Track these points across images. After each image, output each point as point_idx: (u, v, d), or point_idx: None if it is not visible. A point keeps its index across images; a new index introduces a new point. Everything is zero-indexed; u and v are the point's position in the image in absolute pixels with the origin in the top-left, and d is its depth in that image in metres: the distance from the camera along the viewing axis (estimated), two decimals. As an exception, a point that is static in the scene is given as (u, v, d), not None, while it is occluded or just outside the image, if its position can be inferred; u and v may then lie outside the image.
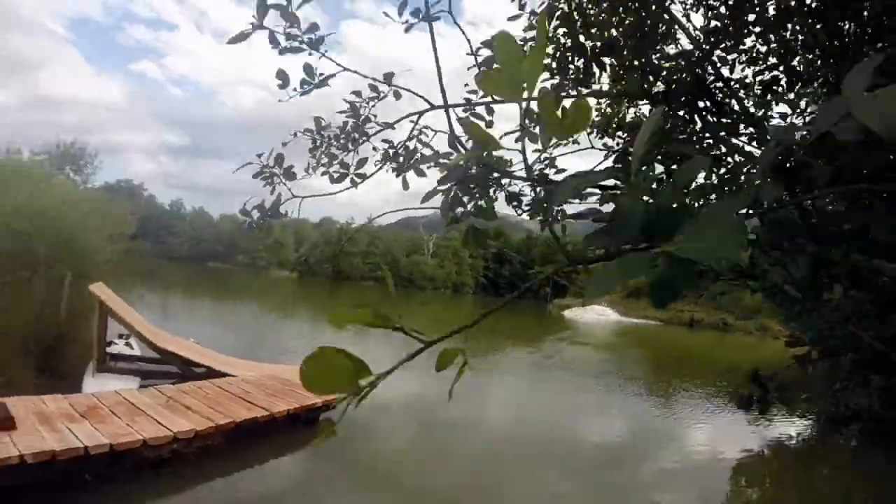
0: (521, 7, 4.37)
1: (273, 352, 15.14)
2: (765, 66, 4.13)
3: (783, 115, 4.64)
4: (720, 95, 3.91)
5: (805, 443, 12.31)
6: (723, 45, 4.04)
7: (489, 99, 3.72)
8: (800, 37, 4.00)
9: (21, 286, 11.93)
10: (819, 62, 4.05)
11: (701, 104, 3.76)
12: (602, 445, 10.82)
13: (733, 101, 4.00)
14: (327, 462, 8.11)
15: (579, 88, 4.24)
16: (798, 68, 4.19)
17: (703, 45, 3.98)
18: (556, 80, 4.25)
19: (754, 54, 4.21)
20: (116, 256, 17.09)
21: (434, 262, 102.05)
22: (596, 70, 4.16)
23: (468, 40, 3.89)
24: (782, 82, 4.11)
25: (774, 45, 4.15)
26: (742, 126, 3.91)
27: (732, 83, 4.01)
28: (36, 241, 12.46)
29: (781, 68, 4.10)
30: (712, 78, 3.91)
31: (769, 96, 4.24)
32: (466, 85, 3.84)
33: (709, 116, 3.80)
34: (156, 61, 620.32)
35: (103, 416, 7.08)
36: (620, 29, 4.24)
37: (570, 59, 4.26)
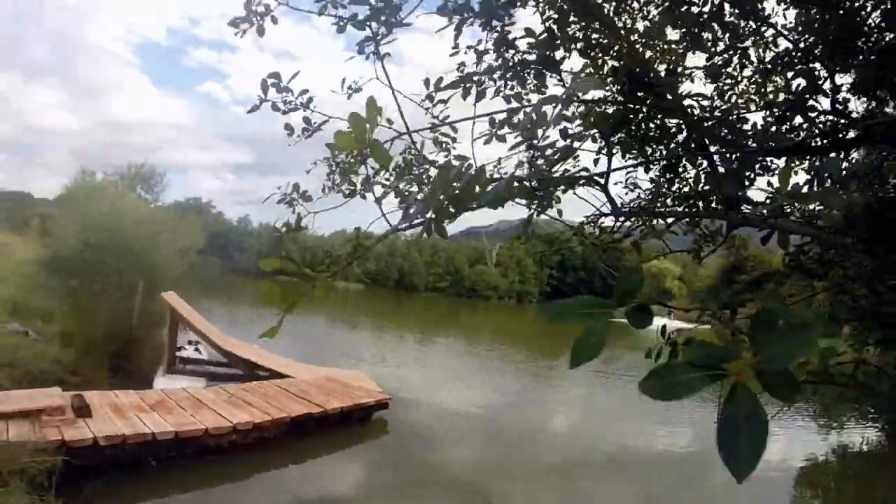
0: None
1: (335, 357, 15.58)
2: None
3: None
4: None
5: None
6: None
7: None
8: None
9: (97, 295, 12.78)
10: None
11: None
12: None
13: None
14: (376, 456, 8.52)
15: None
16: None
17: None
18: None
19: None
20: (185, 269, 17.95)
21: (497, 272, 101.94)
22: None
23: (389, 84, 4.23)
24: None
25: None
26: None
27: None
28: (110, 255, 13.28)
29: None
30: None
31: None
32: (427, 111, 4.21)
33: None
34: (219, 82, 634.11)
35: (170, 409, 7.66)
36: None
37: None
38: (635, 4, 4.27)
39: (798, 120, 3.91)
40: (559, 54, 3.88)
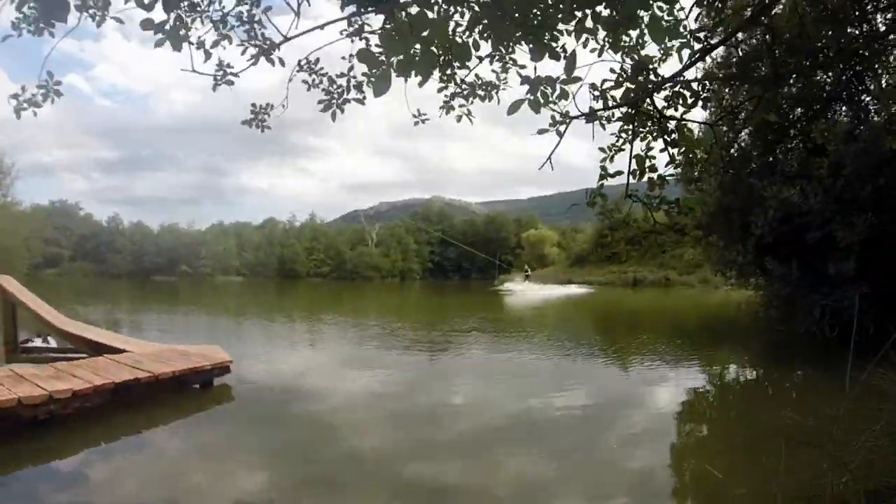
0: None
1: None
2: None
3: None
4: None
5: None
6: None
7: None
8: None
9: None
10: None
11: None
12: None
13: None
14: (218, 424, 8.35)
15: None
16: None
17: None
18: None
19: None
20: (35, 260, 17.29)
21: (378, 252, 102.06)
22: None
23: None
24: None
25: None
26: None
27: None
28: None
29: None
30: None
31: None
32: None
33: None
34: (82, 73, 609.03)
35: (-14, 386, 7.33)
36: None
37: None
38: None
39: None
40: None
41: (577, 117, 4.49)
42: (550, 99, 3.96)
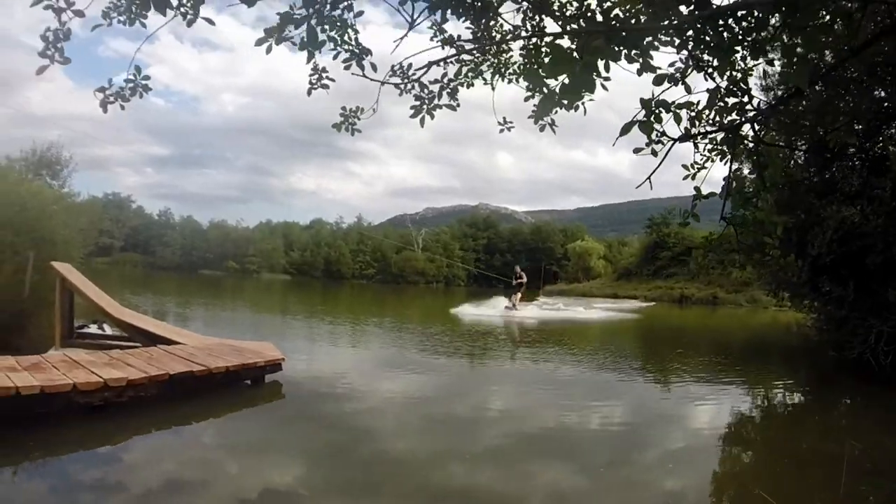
0: None
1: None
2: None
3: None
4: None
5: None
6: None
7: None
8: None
9: None
10: None
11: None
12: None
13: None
14: (267, 420, 8.39)
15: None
16: None
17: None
18: None
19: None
20: (89, 249, 17.69)
21: (424, 257, 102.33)
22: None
23: None
24: None
25: None
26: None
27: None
28: (3, 232, 12.95)
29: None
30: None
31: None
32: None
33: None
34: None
35: (44, 369, 7.45)
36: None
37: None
38: None
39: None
40: None
41: (678, 140, 4.44)
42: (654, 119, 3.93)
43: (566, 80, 2.56)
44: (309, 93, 5.29)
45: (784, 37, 3.84)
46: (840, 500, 5.10)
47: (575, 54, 2.66)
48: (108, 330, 12.74)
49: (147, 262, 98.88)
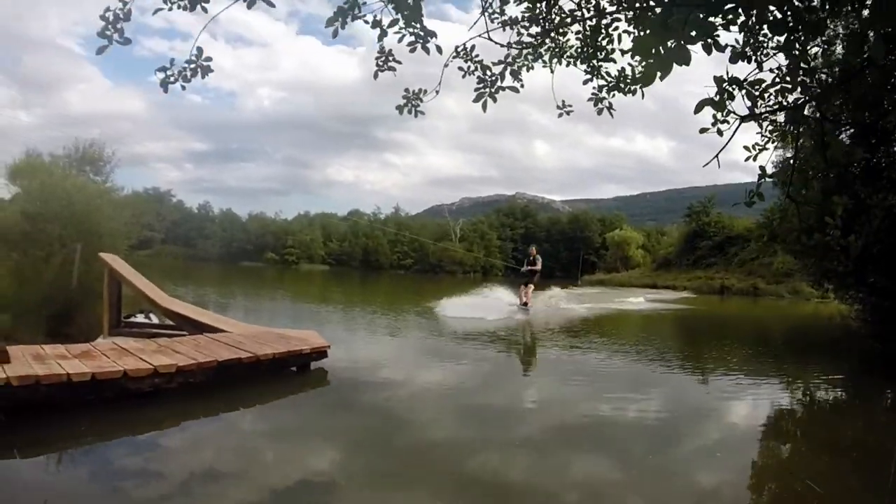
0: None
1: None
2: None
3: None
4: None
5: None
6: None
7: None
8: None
9: (38, 264, 12.82)
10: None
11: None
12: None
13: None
14: (311, 407, 8.49)
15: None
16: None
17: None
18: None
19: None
20: (133, 241, 18.10)
21: (462, 247, 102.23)
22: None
23: None
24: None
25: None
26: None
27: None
28: (52, 225, 13.32)
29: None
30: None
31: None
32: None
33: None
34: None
35: (94, 357, 7.59)
36: None
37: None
38: None
39: None
40: None
41: (744, 119, 4.42)
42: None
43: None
44: (376, 76, 5.40)
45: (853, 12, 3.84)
46: (889, 491, 5.04)
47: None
48: (155, 319, 12.98)
49: (188, 255, 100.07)
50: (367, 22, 4.62)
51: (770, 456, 7.37)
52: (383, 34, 4.84)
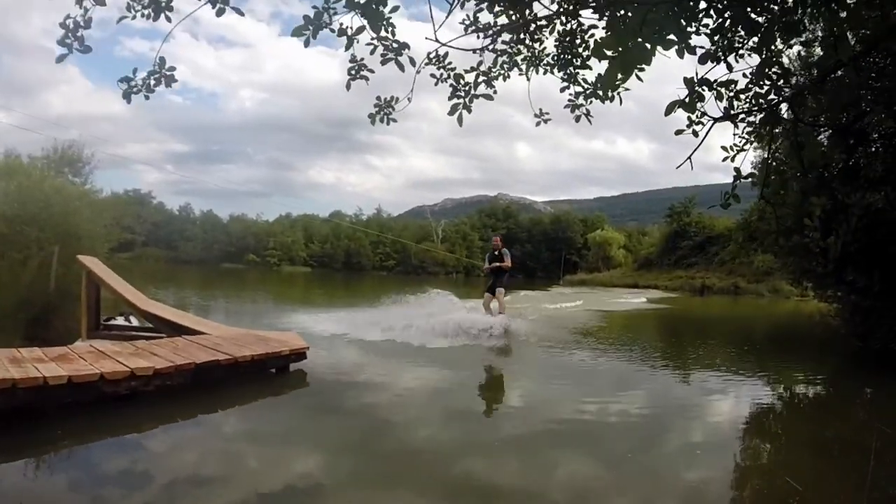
0: None
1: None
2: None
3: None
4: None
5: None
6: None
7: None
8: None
9: (14, 267, 12.71)
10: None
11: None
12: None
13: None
14: (291, 409, 8.43)
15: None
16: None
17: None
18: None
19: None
20: (113, 243, 18.05)
21: (444, 248, 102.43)
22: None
23: None
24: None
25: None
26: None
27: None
28: (29, 227, 13.21)
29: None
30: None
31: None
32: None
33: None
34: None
35: (71, 360, 7.50)
36: None
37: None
38: None
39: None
40: None
41: (718, 119, 4.53)
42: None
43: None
44: (348, 86, 5.33)
45: (826, 12, 3.88)
46: (867, 486, 5.05)
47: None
48: (135, 321, 12.88)
49: (169, 257, 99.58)
50: (332, 31, 4.56)
51: (752, 453, 7.41)
52: (350, 43, 4.78)
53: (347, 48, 4.85)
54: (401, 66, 5.04)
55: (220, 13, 4.46)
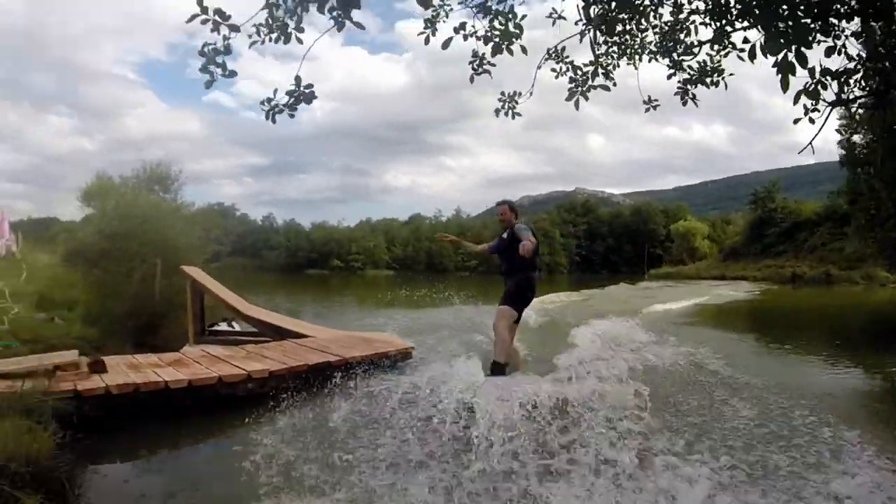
0: None
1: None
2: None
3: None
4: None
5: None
6: None
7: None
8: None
9: (119, 280, 13.24)
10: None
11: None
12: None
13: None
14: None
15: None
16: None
17: None
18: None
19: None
20: (208, 255, 18.65)
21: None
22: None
23: None
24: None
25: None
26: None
27: None
28: (129, 242, 13.72)
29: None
30: None
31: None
32: None
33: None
34: (225, 90, 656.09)
35: (186, 364, 7.67)
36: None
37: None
38: None
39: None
40: None
41: (833, 104, 4.64)
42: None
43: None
44: (472, 79, 5.71)
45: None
46: None
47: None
48: (237, 327, 13.20)
49: (255, 266, 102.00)
50: (469, 35, 4.77)
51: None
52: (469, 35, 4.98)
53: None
54: (511, 52, 5.15)
55: (340, 28, 4.49)
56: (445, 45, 5.11)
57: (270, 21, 4.68)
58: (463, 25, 5.37)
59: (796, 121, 4.69)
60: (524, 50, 5.30)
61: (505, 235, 8.45)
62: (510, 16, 5.26)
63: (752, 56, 3.41)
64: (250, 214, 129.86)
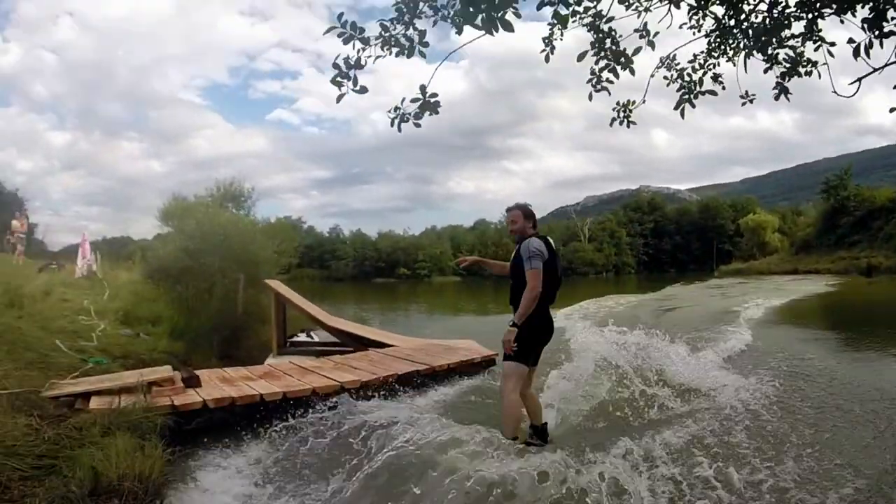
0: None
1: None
2: None
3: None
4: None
5: None
6: None
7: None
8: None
9: (202, 295, 13.57)
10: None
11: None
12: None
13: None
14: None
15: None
16: None
17: None
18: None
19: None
20: (286, 266, 19.05)
21: (591, 247, 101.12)
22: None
23: None
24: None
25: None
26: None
27: None
28: (210, 258, 14.00)
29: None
30: None
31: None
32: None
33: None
34: (287, 108, 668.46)
35: (277, 377, 7.74)
36: None
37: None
38: None
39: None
40: None
41: None
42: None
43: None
44: (591, 97, 5.90)
45: None
46: None
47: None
48: (317, 337, 13.28)
49: (323, 276, 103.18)
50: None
51: None
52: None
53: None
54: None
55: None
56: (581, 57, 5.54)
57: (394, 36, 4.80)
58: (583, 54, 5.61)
59: (892, 110, 4.48)
60: (632, 71, 5.60)
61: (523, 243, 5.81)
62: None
63: (856, 54, 3.28)
64: (317, 226, 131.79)
